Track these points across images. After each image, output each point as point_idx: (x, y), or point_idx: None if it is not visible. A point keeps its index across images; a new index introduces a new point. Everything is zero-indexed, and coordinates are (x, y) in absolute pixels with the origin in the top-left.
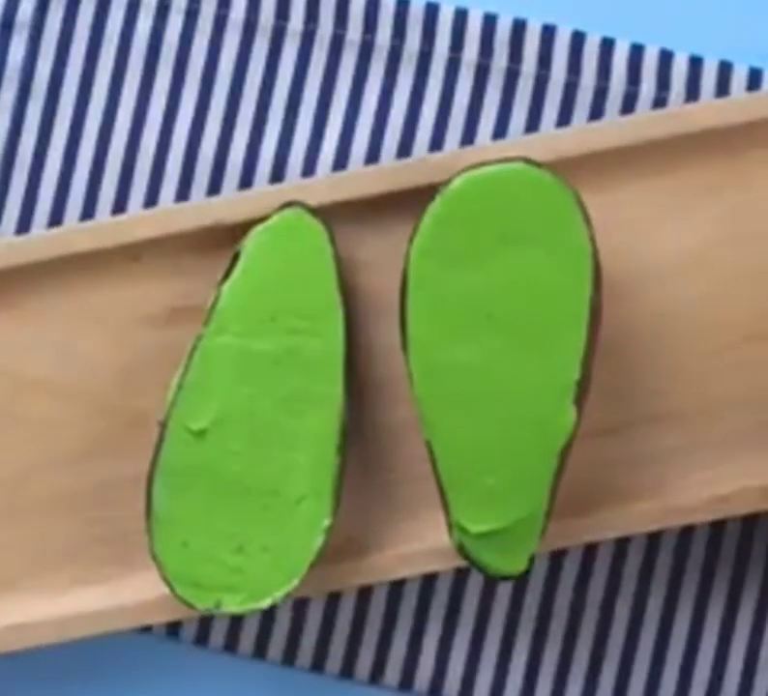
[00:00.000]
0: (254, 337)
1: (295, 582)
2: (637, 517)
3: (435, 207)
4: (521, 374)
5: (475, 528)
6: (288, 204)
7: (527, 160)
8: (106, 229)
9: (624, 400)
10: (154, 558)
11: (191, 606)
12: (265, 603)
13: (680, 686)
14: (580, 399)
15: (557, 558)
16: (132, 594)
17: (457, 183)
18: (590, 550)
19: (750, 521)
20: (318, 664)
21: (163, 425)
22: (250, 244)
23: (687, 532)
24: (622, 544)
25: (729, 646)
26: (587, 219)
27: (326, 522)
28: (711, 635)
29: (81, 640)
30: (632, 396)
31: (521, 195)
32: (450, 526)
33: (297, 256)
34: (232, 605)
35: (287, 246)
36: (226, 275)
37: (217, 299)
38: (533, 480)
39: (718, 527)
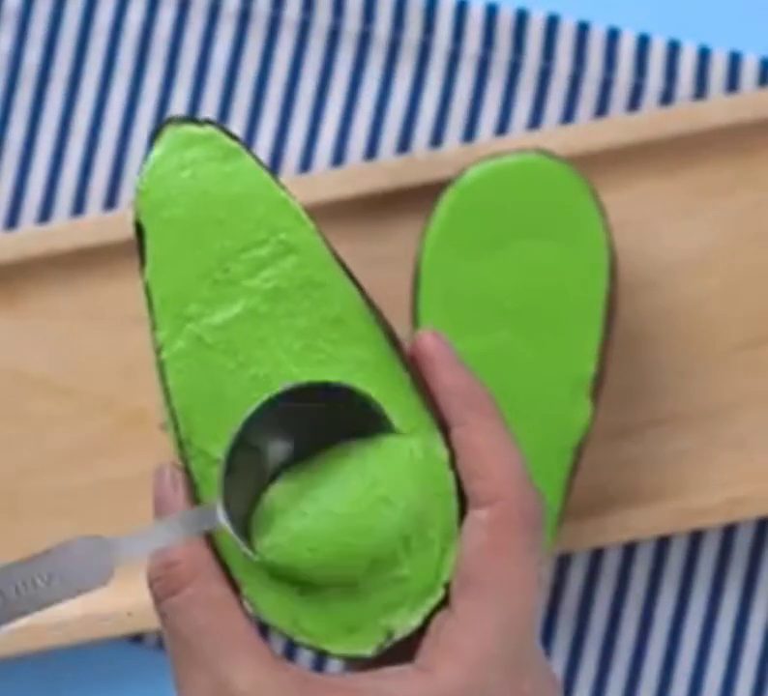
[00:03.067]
0: (220, 304)
1: (453, 547)
2: (651, 520)
3: (450, 198)
4: (535, 368)
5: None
6: (165, 123)
7: (542, 151)
8: (110, 224)
9: (637, 401)
10: (284, 629)
11: (361, 656)
12: (439, 594)
13: (691, 688)
14: (596, 394)
15: (564, 560)
16: (126, 599)
17: (471, 173)
18: (597, 551)
19: (762, 523)
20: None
21: (186, 472)
22: (142, 200)
23: (698, 533)
24: (631, 545)
25: (741, 650)
26: (603, 211)
27: (444, 454)
28: (722, 639)
29: (74, 646)
30: (644, 397)
31: (536, 186)
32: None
33: (205, 178)
34: (405, 621)
35: (184, 174)
36: (143, 260)
37: (149, 293)
38: (547, 478)
39: (729, 528)
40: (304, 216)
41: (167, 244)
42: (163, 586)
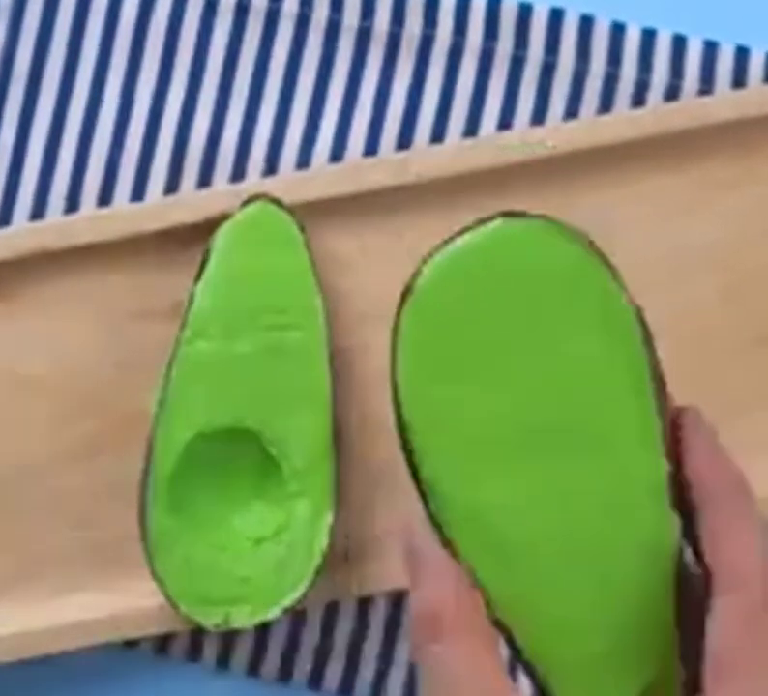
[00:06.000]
0: (234, 339)
1: (302, 588)
2: None
3: (410, 311)
4: (588, 496)
5: None
6: (252, 198)
7: (509, 215)
8: (104, 222)
9: None
10: (154, 577)
11: (198, 624)
12: (274, 613)
13: None
14: (676, 497)
15: None
16: (122, 603)
17: (427, 274)
18: None
19: None
20: (315, 681)
21: (150, 441)
22: (218, 241)
23: None
24: None
25: None
26: (611, 268)
27: (327, 521)
28: None
29: (66, 653)
30: None
31: (519, 263)
32: None
33: (268, 249)
34: (241, 619)
35: (256, 240)
36: (199, 276)
37: (191, 301)
38: (653, 630)
39: None
40: (321, 317)
41: (222, 276)
42: (425, 635)
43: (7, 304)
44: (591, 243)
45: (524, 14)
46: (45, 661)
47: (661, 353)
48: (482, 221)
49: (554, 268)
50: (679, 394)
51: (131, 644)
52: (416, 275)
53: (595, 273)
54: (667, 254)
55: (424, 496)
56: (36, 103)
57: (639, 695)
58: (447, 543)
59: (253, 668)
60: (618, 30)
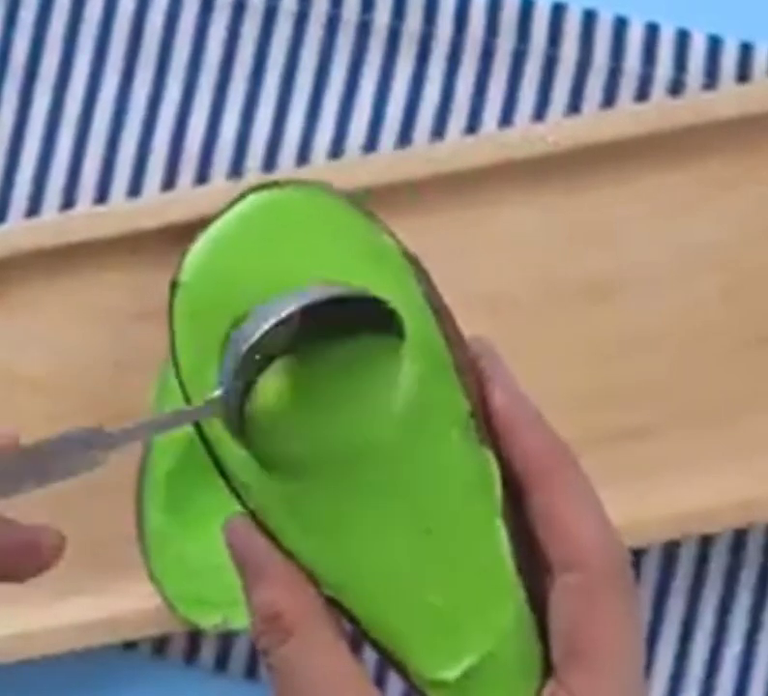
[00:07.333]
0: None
1: None
2: (659, 525)
3: (179, 305)
4: (392, 446)
5: (450, 674)
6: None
7: (253, 190)
8: (102, 218)
9: (640, 402)
10: (151, 578)
11: (196, 625)
12: None
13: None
14: (483, 432)
15: None
16: (121, 604)
17: (187, 266)
18: None
19: None
20: None
21: (147, 441)
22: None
23: (707, 538)
24: (638, 553)
25: (754, 656)
26: (367, 212)
27: None
28: (733, 645)
29: (65, 655)
30: (648, 398)
31: (271, 232)
32: (417, 688)
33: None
34: (239, 621)
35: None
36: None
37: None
38: (490, 580)
39: (739, 533)
40: None
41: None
42: (271, 638)
43: (3, 302)
44: (339, 193)
45: (526, 8)
46: (45, 663)
47: (661, 353)
48: (230, 204)
49: (308, 226)
50: (679, 394)
51: (129, 645)
52: (178, 269)
53: (349, 219)
54: (668, 253)
55: (235, 491)
56: (32, 99)
57: (492, 648)
58: (270, 535)
59: (252, 670)
60: (621, 24)
